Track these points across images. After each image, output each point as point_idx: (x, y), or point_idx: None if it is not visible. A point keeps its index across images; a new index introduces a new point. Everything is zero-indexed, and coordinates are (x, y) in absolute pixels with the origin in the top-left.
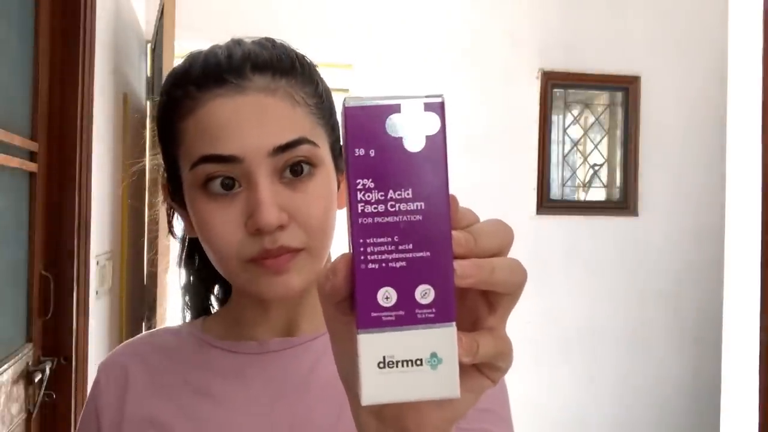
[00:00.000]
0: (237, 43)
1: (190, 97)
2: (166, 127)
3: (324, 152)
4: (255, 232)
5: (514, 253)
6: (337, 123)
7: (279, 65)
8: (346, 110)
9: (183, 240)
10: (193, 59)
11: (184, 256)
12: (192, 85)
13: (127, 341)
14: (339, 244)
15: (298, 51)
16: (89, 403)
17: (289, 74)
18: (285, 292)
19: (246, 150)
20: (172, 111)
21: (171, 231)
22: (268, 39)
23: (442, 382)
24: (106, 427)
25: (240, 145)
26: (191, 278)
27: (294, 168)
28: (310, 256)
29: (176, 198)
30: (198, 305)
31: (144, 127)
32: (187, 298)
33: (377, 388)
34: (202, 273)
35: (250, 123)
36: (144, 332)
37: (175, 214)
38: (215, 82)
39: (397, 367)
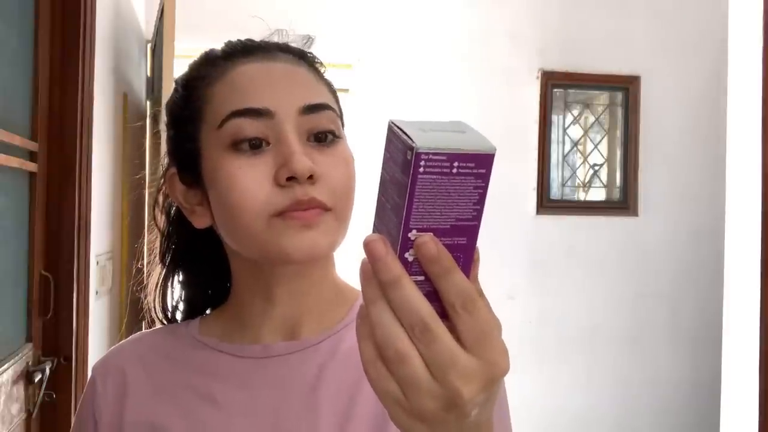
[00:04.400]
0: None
1: (219, 66)
2: (192, 100)
3: (342, 128)
4: (286, 182)
5: (514, 253)
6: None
7: (301, 54)
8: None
9: (166, 235)
10: (210, 50)
11: (181, 251)
12: (221, 58)
13: (121, 342)
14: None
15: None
16: (85, 406)
17: (309, 62)
18: (311, 249)
19: (277, 105)
20: (199, 81)
21: (156, 223)
22: (301, 38)
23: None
24: (104, 430)
25: (272, 100)
26: (191, 275)
27: (318, 136)
28: (336, 218)
29: (188, 179)
30: (198, 304)
31: (144, 127)
32: (183, 294)
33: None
34: (204, 268)
35: (281, 82)
36: (138, 333)
37: (167, 211)
38: (243, 53)
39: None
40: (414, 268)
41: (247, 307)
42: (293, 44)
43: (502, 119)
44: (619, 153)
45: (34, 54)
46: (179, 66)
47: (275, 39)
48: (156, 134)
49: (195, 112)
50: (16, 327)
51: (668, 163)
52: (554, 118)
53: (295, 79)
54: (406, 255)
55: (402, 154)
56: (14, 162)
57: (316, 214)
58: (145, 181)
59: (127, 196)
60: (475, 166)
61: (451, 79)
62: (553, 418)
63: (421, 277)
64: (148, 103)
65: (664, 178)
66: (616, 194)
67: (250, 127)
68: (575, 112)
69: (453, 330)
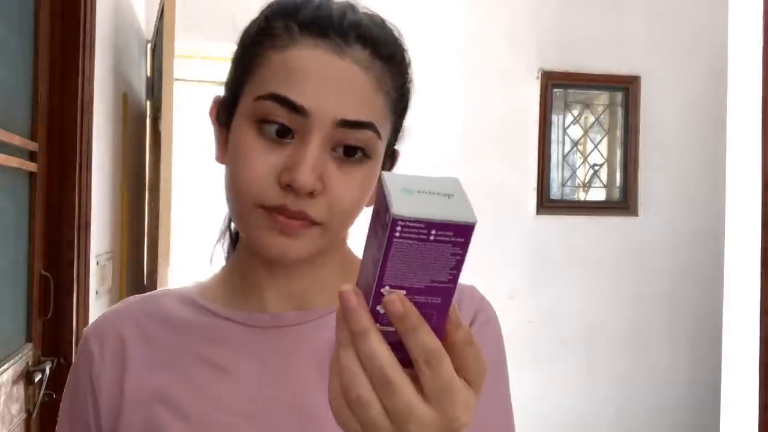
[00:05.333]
0: (351, 7)
1: (289, 35)
2: (250, 51)
3: (381, 147)
4: (286, 186)
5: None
6: (403, 126)
7: (381, 47)
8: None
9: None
10: (297, 4)
11: None
12: (296, 24)
13: (114, 307)
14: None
15: (404, 41)
16: (80, 373)
17: (387, 60)
18: (281, 254)
19: (316, 108)
20: (264, 37)
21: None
22: (379, 17)
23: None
24: (104, 404)
25: (313, 100)
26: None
27: (348, 150)
28: (325, 232)
29: (222, 117)
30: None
31: (144, 127)
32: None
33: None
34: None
35: (332, 85)
36: (130, 297)
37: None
38: (319, 34)
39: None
40: (385, 319)
41: (250, 275)
42: (374, 28)
43: (502, 119)
44: (619, 153)
45: (34, 54)
46: (179, 66)
47: (368, 22)
48: (156, 134)
49: (247, 66)
50: (16, 327)
51: (668, 164)
52: (554, 118)
53: (350, 87)
54: (378, 308)
55: (384, 213)
56: (14, 162)
57: (298, 226)
58: (145, 181)
59: (127, 196)
60: (453, 235)
61: (450, 79)
62: (553, 417)
63: (392, 328)
64: (148, 103)
65: (664, 178)
66: (616, 194)
67: (281, 114)
68: (575, 112)
69: (417, 380)
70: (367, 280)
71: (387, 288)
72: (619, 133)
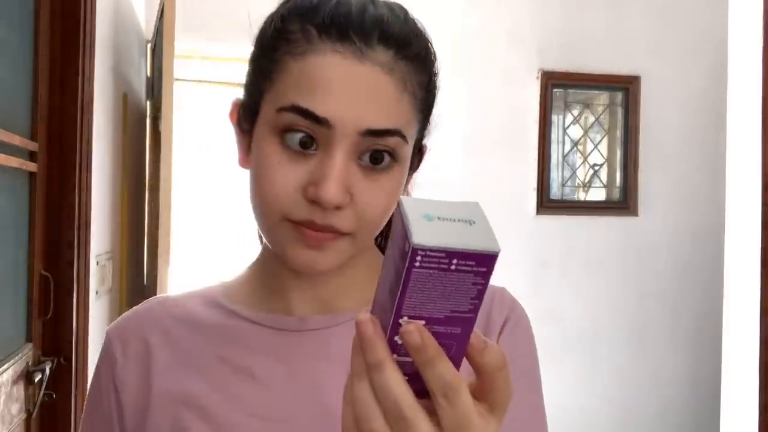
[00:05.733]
0: (371, 0)
1: (307, 39)
2: (268, 55)
3: (408, 150)
4: (312, 201)
5: (514, 253)
6: (430, 121)
7: (405, 44)
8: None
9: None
10: (315, 5)
11: None
12: (313, 27)
13: (135, 308)
14: None
15: (427, 33)
16: (102, 376)
17: (412, 59)
18: (309, 267)
19: (340, 119)
20: (281, 42)
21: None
22: (401, 7)
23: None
24: (129, 405)
25: (336, 111)
26: None
27: (375, 155)
28: (354, 242)
29: (243, 123)
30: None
31: (144, 127)
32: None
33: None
34: None
35: (355, 93)
36: (152, 298)
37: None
38: (339, 37)
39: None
40: (402, 350)
41: (277, 277)
42: (397, 27)
43: (502, 119)
44: (619, 153)
45: (34, 54)
46: (179, 66)
47: (391, 16)
48: (156, 134)
49: (266, 71)
50: (16, 327)
51: (668, 163)
52: (554, 118)
53: (375, 93)
54: (396, 338)
55: (402, 241)
56: (14, 162)
57: (326, 239)
58: (145, 181)
59: (127, 196)
60: (476, 265)
61: (451, 79)
62: (554, 417)
63: (409, 359)
64: (148, 103)
65: (664, 178)
66: (616, 194)
67: (305, 127)
68: (575, 112)
69: (434, 413)
70: (383, 307)
71: (405, 318)
72: (619, 133)
